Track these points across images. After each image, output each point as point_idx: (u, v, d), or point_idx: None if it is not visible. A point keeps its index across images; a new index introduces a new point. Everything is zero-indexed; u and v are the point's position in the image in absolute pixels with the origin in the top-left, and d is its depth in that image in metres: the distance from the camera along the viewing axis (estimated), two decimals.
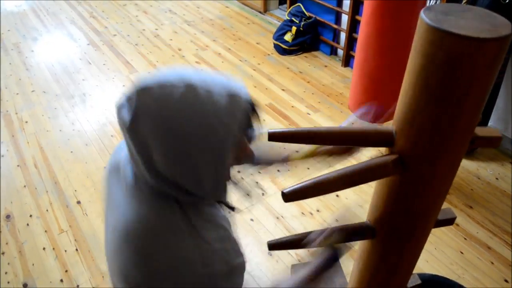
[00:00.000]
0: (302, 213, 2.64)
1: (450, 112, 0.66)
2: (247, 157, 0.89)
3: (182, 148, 0.76)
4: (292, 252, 2.38)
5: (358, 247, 1.08)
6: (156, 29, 5.02)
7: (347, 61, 4.26)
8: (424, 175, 0.76)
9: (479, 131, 0.76)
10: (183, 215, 0.84)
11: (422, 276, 1.87)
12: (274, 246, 0.95)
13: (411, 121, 0.71)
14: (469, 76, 0.62)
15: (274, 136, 0.78)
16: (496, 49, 0.61)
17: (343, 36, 4.24)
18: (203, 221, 0.88)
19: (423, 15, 0.64)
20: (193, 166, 0.78)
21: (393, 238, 0.89)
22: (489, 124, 3.11)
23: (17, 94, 3.80)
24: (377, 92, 2.58)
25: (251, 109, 0.83)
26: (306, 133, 0.78)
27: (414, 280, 1.10)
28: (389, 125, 0.79)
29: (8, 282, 2.23)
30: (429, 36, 0.63)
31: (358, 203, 2.68)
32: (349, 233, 0.93)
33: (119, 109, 0.80)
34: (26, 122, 3.44)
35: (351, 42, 4.12)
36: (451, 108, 0.66)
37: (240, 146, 0.85)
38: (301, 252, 2.38)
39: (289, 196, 0.76)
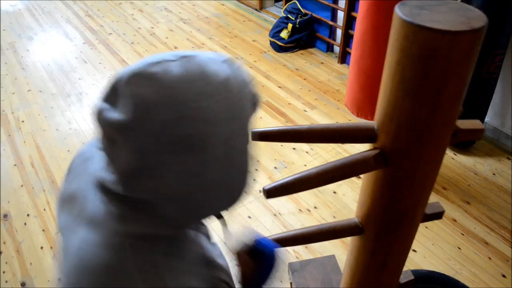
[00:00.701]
0: (300, 210, 2.64)
1: (427, 106, 0.67)
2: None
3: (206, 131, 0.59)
4: (290, 249, 2.39)
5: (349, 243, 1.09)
6: (152, 28, 5.01)
7: (344, 58, 4.26)
8: (405, 169, 0.77)
9: (461, 124, 0.77)
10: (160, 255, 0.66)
11: (419, 272, 1.88)
12: (271, 192, 0.91)
13: (391, 116, 0.72)
14: (444, 70, 0.63)
15: (255, 135, 0.79)
16: (470, 41, 0.61)
17: (339, 32, 4.24)
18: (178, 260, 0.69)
19: (397, 10, 0.65)
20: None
21: (380, 234, 0.90)
22: (486, 120, 3.12)
23: (13, 93, 3.79)
24: (374, 88, 2.58)
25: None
26: (287, 132, 0.79)
27: (406, 276, 1.11)
28: (371, 121, 0.80)
29: (6, 282, 2.23)
30: (403, 31, 0.64)
31: (356, 199, 2.68)
32: (338, 230, 0.93)
33: (102, 111, 0.62)
34: (23, 121, 3.43)
35: (347, 38, 4.12)
36: (428, 102, 0.67)
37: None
38: (299, 249, 2.39)
39: (271, 192, 0.76)
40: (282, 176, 2.88)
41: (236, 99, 0.62)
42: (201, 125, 0.58)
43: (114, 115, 0.60)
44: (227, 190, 0.66)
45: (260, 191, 2.77)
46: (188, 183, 0.62)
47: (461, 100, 0.69)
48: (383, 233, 0.89)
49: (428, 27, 0.60)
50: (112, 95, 0.62)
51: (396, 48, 0.66)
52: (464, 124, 0.77)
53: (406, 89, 0.67)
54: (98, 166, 0.72)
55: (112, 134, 0.61)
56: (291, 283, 2.11)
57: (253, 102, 0.69)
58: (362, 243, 0.95)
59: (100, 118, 0.62)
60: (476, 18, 0.63)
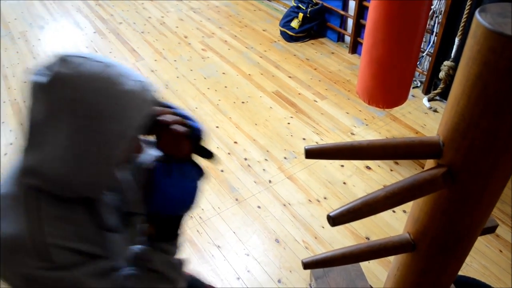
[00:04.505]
0: (309, 200, 2.64)
1: (508, 123, 0.62)
2: (133, 156, 0.90)
3: (91, 122, 0.77)
4: (299, 239, 2.39)
5: (392, 259, 1.05)
6: (162, 17, 5.00)
7: (354, 48, 4.22)
8: (475, 188, 0.72)
9: None
10: (34, 201, 0.83)
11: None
12: (309, 265, 0.92)
13: (463, 132, 0.67)
14: None
15: (311, 153, 0.73)
16: None
17: (350, 22, 4.19)
18: (55, 217, 0.84)
19: (479, 18, 0.59)
20: (94, 143, 0.79)
21: (435, 252, 0.85)
22: None
23: (25, 82, 3.81)
24: (386, 77, 2.55)
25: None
26: (347, 148, 0.74)
27: None
28: (434, 136, 0.75)
29: None
30: (489, 42, 0.58)
31: (366, 190, 2.67)
32: (389, 247, 0.89)
33: (36, 74, 0.79)
34: None
35: (358, 28, 4.07)
36: (510, 119, 0.62)
37: (137, 137, 0.86)
38: (308, 239, 2.39)
39: (337, 219, 0.72)
40: (291, 166, 2.88)
41: (135, 100, 0.80)
42: (96, 113, 0.78)
43: (40, 77, 0.79)
44: None
45: (269, 181, 2.76)
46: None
47: None
48: (439, 251, 0.85)
49: None
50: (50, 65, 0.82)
51: (477, 60, 0.60)
52: None
53: (486, 105, 0.62)
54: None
55: (32, 93, 0.84)
56: None
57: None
58: (413, 261, 0.91)
59: (32, 78, 0.82)
60: None
